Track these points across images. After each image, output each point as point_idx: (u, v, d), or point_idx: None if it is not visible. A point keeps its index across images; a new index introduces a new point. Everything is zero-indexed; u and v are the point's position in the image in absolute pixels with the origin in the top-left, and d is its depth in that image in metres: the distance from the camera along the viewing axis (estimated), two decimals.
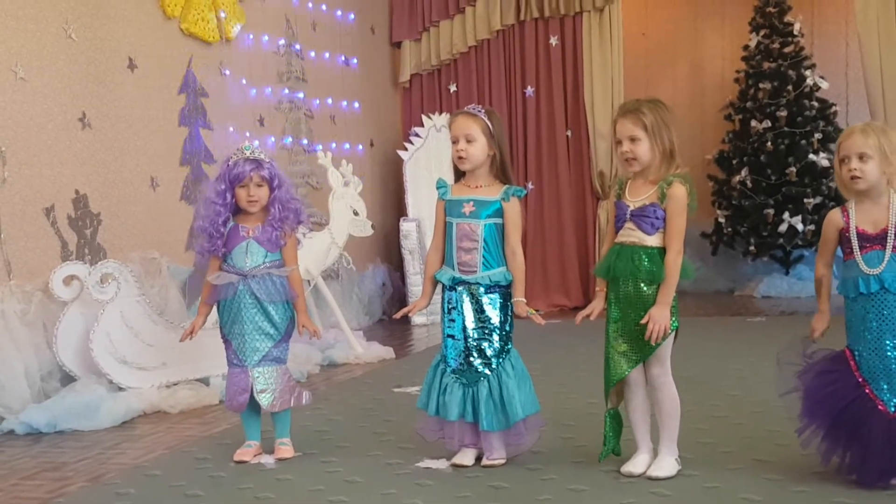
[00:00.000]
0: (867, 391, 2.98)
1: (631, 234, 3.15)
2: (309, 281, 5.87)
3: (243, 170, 3.56)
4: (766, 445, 3.49)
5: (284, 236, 3.63)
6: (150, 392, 4.67)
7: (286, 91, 7.09)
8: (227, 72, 6.37)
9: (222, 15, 6.21)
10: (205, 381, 4.93)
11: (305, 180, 7.08)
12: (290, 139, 7.12)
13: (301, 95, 7.25)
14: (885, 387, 2.97)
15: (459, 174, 3.50)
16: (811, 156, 8.34)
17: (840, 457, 3.03)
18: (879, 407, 2.96)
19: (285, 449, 3.65)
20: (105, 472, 3.57)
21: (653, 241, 3.13)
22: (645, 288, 3.13)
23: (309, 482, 3.29)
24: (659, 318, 3.07)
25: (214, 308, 3.70)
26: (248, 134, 6.46)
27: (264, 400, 3.58)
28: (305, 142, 7.28)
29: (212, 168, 5.99)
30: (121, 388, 4.62)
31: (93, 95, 5.17)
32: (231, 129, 6.35)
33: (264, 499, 3.13)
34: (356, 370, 5.69)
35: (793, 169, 8.33)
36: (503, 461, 3.38)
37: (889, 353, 2.97)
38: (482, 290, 3.39)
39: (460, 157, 3.42)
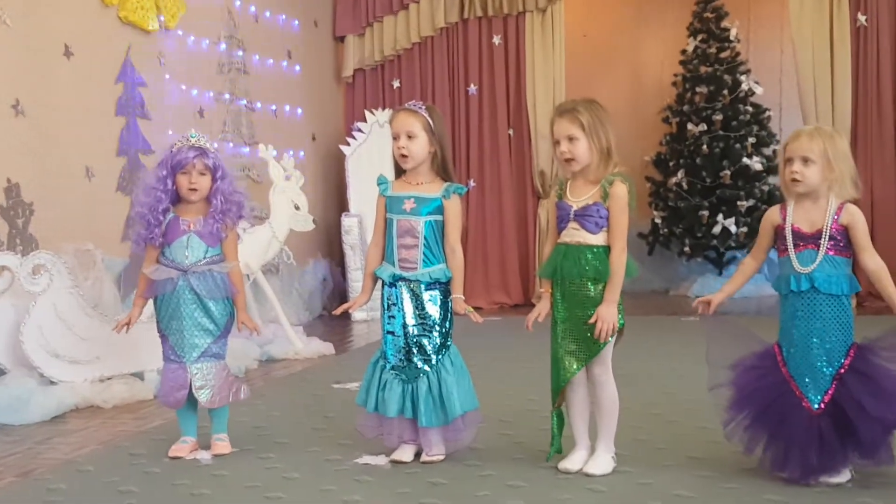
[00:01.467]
0: (792, 387, 3.04)
1: (575, 234, 3.17)
2: (248, 275, 5.80)
3: (186, 156, 3.49)
4: (698, 442, 3.54)
5: (226, 229, 3.57)
6: (83, 386, 4.57)
7: (227, 84, 7.00)
8: (167, 62, 6.26)
9: (161, 19, 6.10)
10: (139, 376, 4.84)
11: (246, 173, 7.00)
12: (230, 131, 7.03)
13: (243, 89, 7.17)
14: (810, 384, 3.02)
15: (401, 171, 3.49)
16: (745, 159, 8.52)
17: (764, 450, 3.09)
18: (803, 403, 3.01)
19: (222, 445, 3.60)
20: (35, 468, 3.48)
21: (597, 239, 3.15)
22: (591, 286, 3.15)
23: (246, 478, 3.25)
24: (607, 316, 3.10)
25: (150, 301, 3.62)
26: (189, 125, 6.35)
27: (203, 396, 3.53)
28: (246, 134, 7.20)
29: (149, 159, 5.89)
30: (52, 382, 4.51)
31: (27, 83, 5.04)
32: (170, 120, 6.24)
33: (200, 495, 3.08)
34: (295, 366, 5.65)
35: (727, 172, 8.50)
36: (442, 457, 3.38)
37: (815, 351, 3.03)
38: (423, 286, 3.39)
39: (402, 155, 3.40)
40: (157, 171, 3.54)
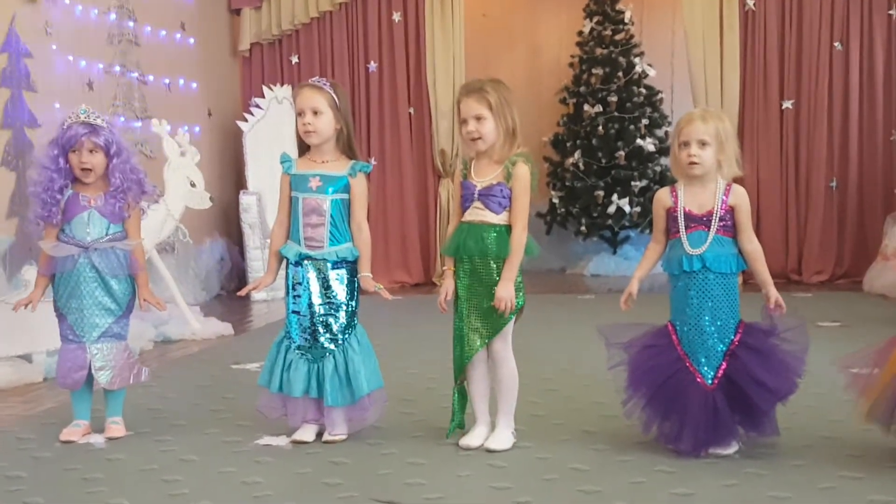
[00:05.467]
0: (687, 364, 3.12)
1: (479, 214, 3.21)
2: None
3: (75, 133, 3.38)
4: (593, 417, 3.62)
5: (128, 208, 3.47)
6: None
7: (117, 56, 6.78)
8: (53, 32, 6.02)
9: None
10: (27, 358, 4.67)
11: (139, 148, 6.81)
12: (121, 106, 6.82)
13: (134, 61, 6.95)
14: (704, 360, 3.11)
15: (304, 148, 3.45)
16: (638, 140, 8.72)
17: (659, 426, 3.17)
18: (698, 379, 3.10)
19: (116, 428, 3.52)
20: None
21: (500, 219, 3.20)
22: (493, 265, 3.20)
23: (142, 461, 3.19)
24: (504, 294, 3.15)
25: None
26: (77, 98, 6.13)
27: (103, 377, 3.44)
28: (138, 108, 7.00)
29: (35, 133, 5.67)
30: None
31: None
32: (57, 92, 6.00)
33: (93, 479, 3.00)
34: (192, 347, 5.56)
35: (622, 153, 8.69)
36: (344, 437, 3.38)
37: (707, 329, 3.12)
38: (329, 265, 3.37)
39: (307, 131, 3.36)
40: (49, 149, 3.43)
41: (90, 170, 3.41)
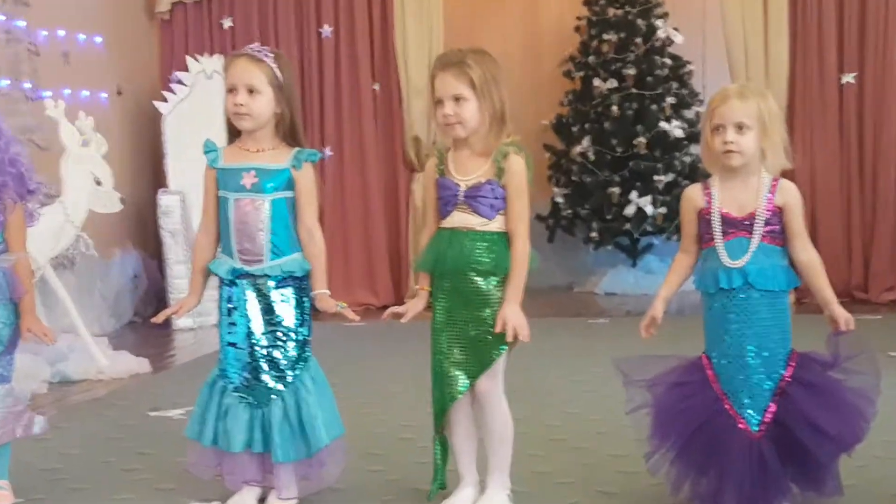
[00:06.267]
0: (726, 406, 3.14)
1: (464, 219, 3.21)
2: (35, 271, 5.63)
3: None
4: (610, 474, 3.63)
5: (6, 211, 3.45)
6: None
7: (1, 17, 6.76)
8: None
9: None
10: None
11: (28, 137, 6.77)
12: (7, 82, 6.80)
13: (22, 24, 6.93)
14: (747, 401, 3.13)
15: (235, 134, 3.46)
16: (663, 124, 8.76)
17: (693, 484, 3.19)
18: (740, 425, 3.12)
19: (3, 494, 3.49)
20: None
21: (491, 225, 3.20)
22: (481, 282, 3.20)
23: None
24: (513, 317, 3.13)
25: None
26: None
27: None
28: (28, 85, 6.98)
29: None
30: None
31: None
32: None
33: None
34: (98, 388, 5.54)
35: (642, 140, 8.72)
36: (296, 501, 3.39)
37: (751, 362, 3.13)
38: (271, 283, 3.37)
39: (239, 113, 3.37)
40: None
41: None
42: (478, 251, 3.19)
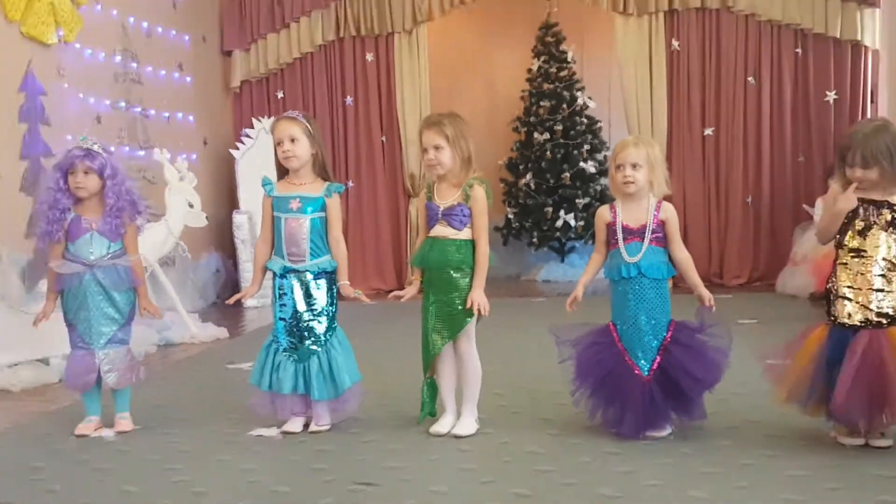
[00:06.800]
0: (626, 359, 3.15)
1: (442, 230, 3.22)
2: (147, 268, 5.58)
3: (72, 157, 3.37)
4: (547, 405, 3.63)
5: (124, 225, 3.42)
6: None
7: (122, 93, 6.70)
8: (66, 73, 5.94)
9: (60, 33, 5.77)
10: (45, 362, 4.59)
11: (142, 174, 6.72)
12: (126, 136, 6.74)
13: (137, 98, 6.87)
14: (640, 355, 3.14)
15: (283, 173, 3.43)
16: (581, 163, 8.75)
17: (603, 413, 3.20)
18: (636, 371, 3.13)
19: (125, 423, 3.47)
20: None
21: (461, 234, 3.21)
22: (455, 274, 3.20)
23: (147, 452, 3.15)
24: (479, 298, 3.17)
25: None
26: (85, 131, 6.05)
27: (111, 379, 3.40)
28: (141, 139, 6.92)
29: (50, 162, 5.57)
30: None
31: None
32: (69, 126, 5.92)
33: (104, 469, 2.96)
34: (192, 349, 5.48)
35: (567, 174, 8.71)
36: (328, 427, 3.36)
37: (643, 328, 3.14)
38: (310, 276, 3.35)
39: (287, 157, 3.34)
40: (53, 173, 3.42)
41: (83, 188, 3.37)
42: (452, 253, 3.19)
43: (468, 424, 3.26)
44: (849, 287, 2.97)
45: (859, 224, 2.99)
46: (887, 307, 2.92)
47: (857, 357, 2.85)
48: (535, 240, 8.88)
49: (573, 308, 3.27)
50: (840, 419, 2.96)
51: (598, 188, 8.81)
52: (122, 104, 6.72)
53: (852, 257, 2.99)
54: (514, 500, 2.58)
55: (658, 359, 3.13)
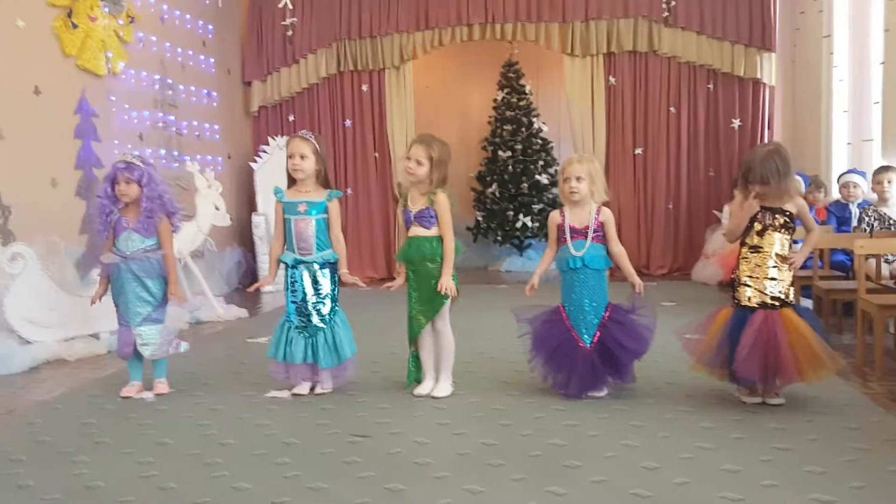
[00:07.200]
0: (573, 334, 3.17)
1: (417, 230, 3.22)
2: (180, 259, 5.53)
3: (116, 170, 3.35)
4: (508, 371, 3.65)
5: (157, 222, 3.40)
6: (53, 344, 4.26)
7: (161, 114, 6.61)
8: (114, 98, 5.86)
9: (109, 55, 5.69)
10: (96, 336, 4.54)
11: (176, 182, 6.63)
12: (163, 150, 6.66)
13: (173, 118, 6.78)
14: (584, 331, 3.16)
15: (292, 181, 3.41)
16: (537, 176, 8.76)
17: (553, 377, 3.22)
18: (580, 344, 3.16)
19: (162, 386, 3.45)
20: (17, 407, 3.25)
21: (431, 232, 3.20)
22: (431, 265, 3.21)
23: (181, 411, 3.13)
24: (446, 282, 3.17)
25: None
26: (129, 146, 5.97)
27: (146, 351, 3.39)
28: (176, 153, 6.83)
29: (101, 172, 5.49)
30: (28, 342, 4.17)
31: (6, 115, 4.66)
32: (116, 142, 5.84)
33: (145, 425, 2.95)
34: (218, 326, 5.43)
35: (525, 185, 8.73)
36: (330, 390, 3.36)
37: (586, 309, 3.17)
38: (317, 266, 3.33)
39: (295, 170, 3.32)
40: (103, 183, 3.42)
41: (126, 195, 3.35)
42: (426, 248, 3.19)
43: (444, 387, 3.27)
44: (749, 276, 3.02)
45: (758, 226, 3.04)
46: (778, 292, 2.98)
47: (753, 330, 2.90)
48: (499, 238, 8.88)
49: (530, 293, 3.29)
50: (741, 381, 3.01)
51: (551, 196, 8.82)
52: (161, 123, 6.63)
53: (752, 252, 3.04)
54: (482, 448, 2.59)
55: (598, 334, 3.16)
